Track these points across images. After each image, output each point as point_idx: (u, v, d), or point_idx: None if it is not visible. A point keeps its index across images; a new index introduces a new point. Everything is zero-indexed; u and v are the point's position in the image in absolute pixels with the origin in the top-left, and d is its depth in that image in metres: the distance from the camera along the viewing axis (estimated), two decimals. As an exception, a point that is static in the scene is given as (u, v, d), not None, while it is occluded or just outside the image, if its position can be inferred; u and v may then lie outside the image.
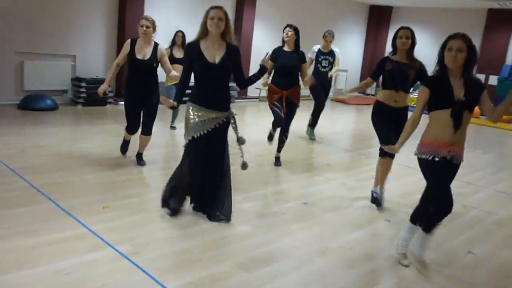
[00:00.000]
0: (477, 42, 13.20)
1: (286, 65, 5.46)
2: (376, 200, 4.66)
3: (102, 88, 5.05)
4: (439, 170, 3.09)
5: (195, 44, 3.65)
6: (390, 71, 4.29)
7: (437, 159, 3.06)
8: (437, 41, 15.07)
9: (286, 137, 5.77)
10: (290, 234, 3.85)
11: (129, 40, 4.99)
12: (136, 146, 5.44)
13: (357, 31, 15.46)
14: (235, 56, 3.70)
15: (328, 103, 7.80)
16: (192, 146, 3.72)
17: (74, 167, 5.01)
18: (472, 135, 10.29)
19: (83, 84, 8.71)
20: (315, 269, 3.28)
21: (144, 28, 4.86)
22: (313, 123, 7.78)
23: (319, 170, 5.96)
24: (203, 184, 3.87)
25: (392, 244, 3.78)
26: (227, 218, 3.88)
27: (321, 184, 5.33)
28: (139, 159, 5.33)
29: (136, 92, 4.96)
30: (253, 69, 11.72)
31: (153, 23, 4.91)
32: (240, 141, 3.92)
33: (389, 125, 4.33)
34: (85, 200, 4.09)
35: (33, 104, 7.96)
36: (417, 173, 4.59)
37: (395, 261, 3.51)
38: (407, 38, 4.19)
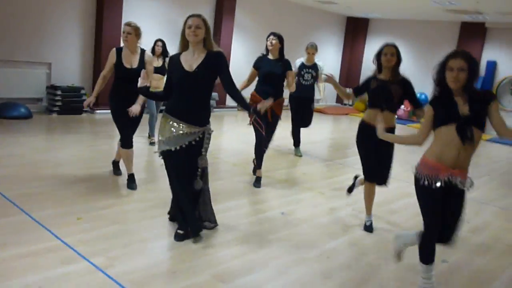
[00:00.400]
0: (450, 53, 13.52)
1: (270, 72, 5.29)
2: (370, 228, 4.36)
3: (88, 101, 4.71)
4: (434, 200, 2.89)
5: (175, 56, 3.52)
6: (374, 89, 4.11)
7: (436, 185, 2.84)
8: (413, 52, 15.35)
9: (264, 151, 5.51)
10: (267, 244, 3.84)
11: (114, 50, 4.72)
12: (108, 158, 5.37)
13: (334, 42, 15.65)
14: (217, 62, 3.49)
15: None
16: (167, 160, 3.59)
17: (47, 177, 4.91)
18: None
19: (59, 92, 8.58)
20: (292, 280, 3.27)
21: (125, 35, 4.59)
22: (294, 142, 7.46)
23: (296, 180, 5.98)
24: (183, 199, 3.67)
25: (369, 252, 3.82)
26: (214, 223, 3.94)
27: (299, 194, 5.34)
28: (131, 182, 4.85)
29: (124, 103, 4.60)
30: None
31: (136, 30, 4.62)
32: (201, 161, 3.57)
33: (375, 154, 4.14)
34: (59, 212, 4.01)
35: (6, 112, 7.79)
36: (392, 182, 4.64)
37: (372, 269, 3.53)
38: (392, 55, 4.00)
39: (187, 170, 3.58)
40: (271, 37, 5.33)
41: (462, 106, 2.79)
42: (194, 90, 3.45)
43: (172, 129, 3.47)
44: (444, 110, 2.83)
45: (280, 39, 5.32)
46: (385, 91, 4.05)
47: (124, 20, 9.21)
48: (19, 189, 4.43)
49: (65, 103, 8.67)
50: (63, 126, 7.89)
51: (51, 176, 4.96)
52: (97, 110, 9.25)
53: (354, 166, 6.88)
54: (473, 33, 13.12)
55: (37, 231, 3.57)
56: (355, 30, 15.78)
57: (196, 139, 3.51)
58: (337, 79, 15.85)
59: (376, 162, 4.16)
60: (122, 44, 4.82)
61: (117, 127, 4.80)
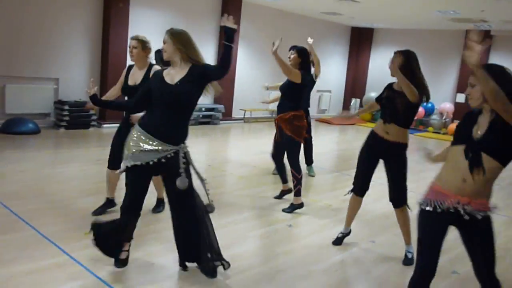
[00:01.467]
0: (456, 63, 13.49)
1: (281, 85, 5.09)
2: (338, 241, 4.21)
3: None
4: (433, 226, 2.50)
5: (160, 71, 3.28)
6: (383, 99, 3.87)
7: (439, 210, 2.44)
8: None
9: (294, 176, 4.97)
10: (275, 257, 3.82)
11: (127, 66, 4.39)
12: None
13: (339, 53, 15.68)
14: (200, 71, 3.14)
15: (312, 123, 7.49)
16: (130, 176, 3.25)
17: (55, 192, 4.93)
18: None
19: (66, 107, 8.66)
20: (300, 293, 3.25)
21: (131, 49, 4.18)
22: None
23: (304, 191, 5.93)
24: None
25: (377, 265, 3.78)
26: (220, 263, 3.38)
27: (306, 206, 5.30)
28: (157, 206, 4.66)
29: (126, 124, 4.10)
30: (238, 92, 11.82)
31: (142, 43, 4.19)
32: (179, 182, 3.12)
33: (372, 167, 3.96)
34: (67, 227, 4.02)
35: (14, 128, 7.86)
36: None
37: (382, 282, 3.49)
38: (392, 62, 3.65)
39: (173, 197, 3.26)
40: (290, 51, 4.97)
41: (481, 127, 2.38)
42: (173, 105, 3.12)
43: (141, 143, 3.13)
44: (463, 127, 2.49)
45: (299, 52, 4.92)
46: (390, 104, 3.79)
47: (131, 34, 9.28)
48: (27, 205, 4.45)
49: (73, 118, 8.74)
50: (71, 140, 7.94)
51: (59, 191, 4.99)
52: (104, 124, 9.32)
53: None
54: (478, 41, 13.10)
55: (45, 246, 3.59)
56: (360, 40, 15.82)
57: (167, 157, 3.13)
58: (342, 89, 15.97)
59: (368, 174, 3.97)
60: (128, 59, 4.67)
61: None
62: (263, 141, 8.99)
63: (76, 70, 9.16)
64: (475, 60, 2.21)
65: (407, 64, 3.66)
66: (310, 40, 6.11)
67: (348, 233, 4.23)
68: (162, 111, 3.12)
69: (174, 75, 3.16)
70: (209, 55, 11.41)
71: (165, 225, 4.19)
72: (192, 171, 3.26)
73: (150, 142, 3.10)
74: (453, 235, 4.84)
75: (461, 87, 13.39)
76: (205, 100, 11.52)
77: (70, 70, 9.06)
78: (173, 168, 3.14)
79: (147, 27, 9.83)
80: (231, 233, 4.21)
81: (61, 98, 8.90)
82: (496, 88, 2.18)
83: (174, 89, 3.09)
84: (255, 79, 12.01)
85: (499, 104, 2.21)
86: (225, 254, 3.71)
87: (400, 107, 3.72)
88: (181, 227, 3.33)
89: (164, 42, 3.18)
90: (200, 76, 3.12)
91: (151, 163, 3.11)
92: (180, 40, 3.15)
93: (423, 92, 3.70)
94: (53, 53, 8.77)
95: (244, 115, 12.26)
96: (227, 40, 3.08)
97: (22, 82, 8.43)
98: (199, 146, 8.84)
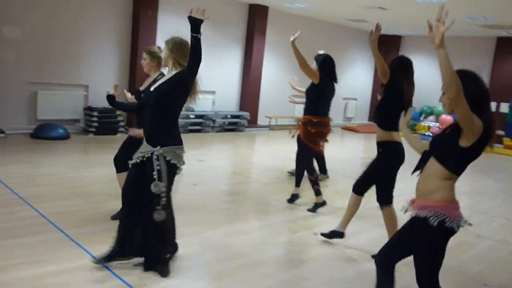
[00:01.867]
0: (487, 69, 13.18)
1: (306, 89, 5.35)
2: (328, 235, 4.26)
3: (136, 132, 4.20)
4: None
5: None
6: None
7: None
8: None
9: (309, 179, 5.30)
10: (300, 265, 3.79)
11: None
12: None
13: (366, 60, 15.55)
14: (180, 76, 3.25)
15: (337, 131, 7.55)
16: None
17: (83, 196, 5.01)
18: (483, 162, 10.17)
19: (95, 113, 8.83)
20: (324, 302, 3.20)
21: (142, 61, 4.31)
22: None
23: (329, 199, 5.88)
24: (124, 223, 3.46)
25: (402, 274, 3.69)
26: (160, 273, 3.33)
27: (332, 213, 5.26)
28: None
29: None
30: (263, 99, 11.83)
31: (149, 54, 4.22)
32: (153, 187, 3.17)
33: (370, 167, 4.10)
34: (94, 230, 4.07)
35: (45, 133, 8.06)
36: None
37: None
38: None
39: (142, 195, 3.33)
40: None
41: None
42: (151, 108, 3.28)
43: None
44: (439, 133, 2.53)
45: (317, 62, 5.25)
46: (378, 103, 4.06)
47: (159, 42, 9.45)
48: (55, 207, 4.54)
49: (101, 124, 8.91)
50: (99, 146, 8.08)
51: (87, 195, 5.07)
52: (132, 130, 9.45)
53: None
54: (510, 48, 12.81)
55: (72, 248, 3.64)
56: (387, 47, 15.62)
57: (142, 158, 3.26)
58: (369, 97, 15.79)
59: (365, 173, 4.10)
60: None
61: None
62: (288, 148, 8.95)
63: (106, 77, 9.34)
64: (439, 40, 2.12)
65: (395, 67, 3.96)
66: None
67: (340, 234, 4.20)
68: (146, 114, 3.34)
69: (161, 81, 3.40)
70: (235, 61, 11.50)
71: (190, 230, 4.21)
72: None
73: (143, 143, 3.35)
74: (483, 246, 4.71)
75: (492, 95, 13.06)
76: (230, 107, 11.60)
77: (100, 77, 9.25)
78: (148, 170, 3.24)
79: (175, 32, 9.95)
80: (256, 239, 4.19)
81: (90, 104, 9.09)
82: (453, 73, 2.12)
83: (152, 93, 3.33)
84: (280, 86, 12.00)
85: (453, 91, 2.14)
86: (250, 260, 3.70)
87: (378, 104, 4.04)
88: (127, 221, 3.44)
89: (161, 51, 3.46)
90: (180, 78, 3.24)
91: (134, 162, 3.34)
92: (172, 47, 3.37)
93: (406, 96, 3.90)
94: (84, 61, 8.97)
95: (270, 122, 12.25)
96: (193, 31, 3.04)
97: (53, 88, 8.65)
98: (225, 153, 8.88)
